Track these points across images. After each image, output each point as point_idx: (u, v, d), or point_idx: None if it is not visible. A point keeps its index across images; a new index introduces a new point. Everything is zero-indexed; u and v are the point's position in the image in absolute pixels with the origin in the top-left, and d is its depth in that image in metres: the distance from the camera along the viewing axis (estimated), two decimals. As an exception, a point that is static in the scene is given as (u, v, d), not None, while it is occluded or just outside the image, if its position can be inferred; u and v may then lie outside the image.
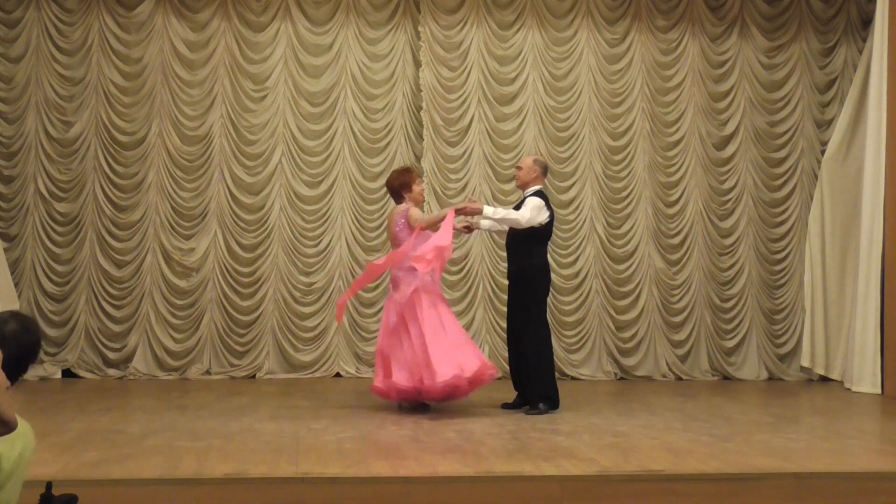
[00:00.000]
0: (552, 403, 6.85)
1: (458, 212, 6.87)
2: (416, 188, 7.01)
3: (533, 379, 6.83)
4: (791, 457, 5.28)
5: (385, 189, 9.32)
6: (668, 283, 9.64)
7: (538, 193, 6.98)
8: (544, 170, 7.16)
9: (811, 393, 8.80)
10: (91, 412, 6.64)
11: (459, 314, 9.29)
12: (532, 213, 6.79)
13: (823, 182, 9.46)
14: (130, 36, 9.16)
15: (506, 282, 9.31)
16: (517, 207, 6.99)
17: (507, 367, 8.72)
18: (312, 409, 6.93)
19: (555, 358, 7.34)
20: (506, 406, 7.03)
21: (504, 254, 9.35)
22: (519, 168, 7.14)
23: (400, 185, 7.01)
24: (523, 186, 7.09)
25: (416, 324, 6.55)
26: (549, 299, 7.18)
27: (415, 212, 6.89)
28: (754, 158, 9.81)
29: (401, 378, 6.56)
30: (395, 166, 9.35)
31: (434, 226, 6.80)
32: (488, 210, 6.83)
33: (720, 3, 9.82)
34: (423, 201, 7.10)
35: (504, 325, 9.32)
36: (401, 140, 9.42)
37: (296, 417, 6.49)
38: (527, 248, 6.89)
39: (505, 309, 9.30)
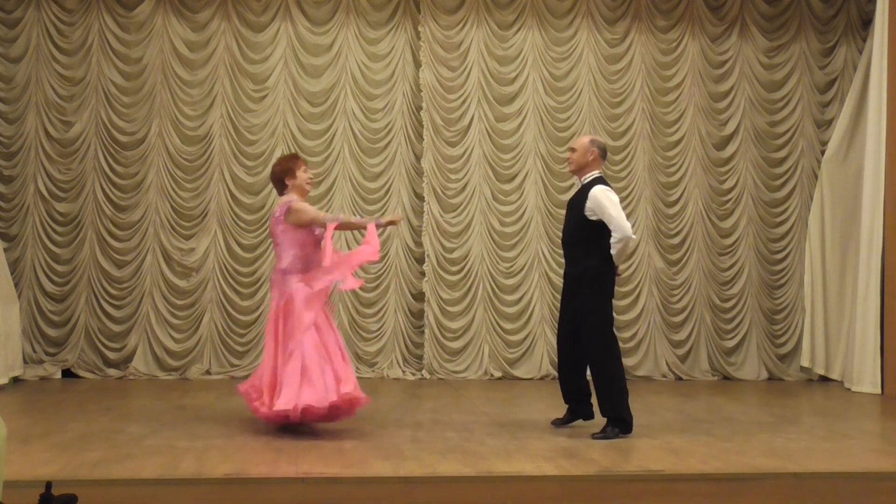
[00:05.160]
0: (625, 427, 5.87)
1: (379, 226, 6.12)
2: (301, 175, 6.06)
3: (602, 399, 5.87)
4: (791, 457, 5.29)
5: (385, 188, 9.38)
6: (668, 283, 9.64)
7: (600, 181, 5.95)
8: (603, 152, 6.08)
9: (811, 393, 8.80)
10: (91, 412, 6.63)
11: (459, 314, 9.31)
12: (617, 211, 5.79)
13: (823, 182, 9.46)
14: (130, 36, 9.15)
15: (506, 282, 9.41)
16: (577, 199, 6.01)
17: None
18: (312, 409, 6.91)
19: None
20: (557, 422, 6.22)
21: (505, 254, 9.43)
22: (573, 150, 6.05)
23: (282, 172, 6.10)
24: (579, 171, 6.03)
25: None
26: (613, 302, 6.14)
27: (301, 206, 5.95)
28: (754, 158, 9.81)
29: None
30: (396, 166, 9.38)
31: (351, 228, 6.20)
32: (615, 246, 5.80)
33: (720, 3, 9.82)
34: (309, 191, 6.24)
35: (506, 326, 9.37)
36: (401, 140, 9.42)
37: (296, 417, 6.48)
38: (588, 245, 5.93)
39: (505, 310, 9.38)
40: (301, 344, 5.69)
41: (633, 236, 5.85)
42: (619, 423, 5.81)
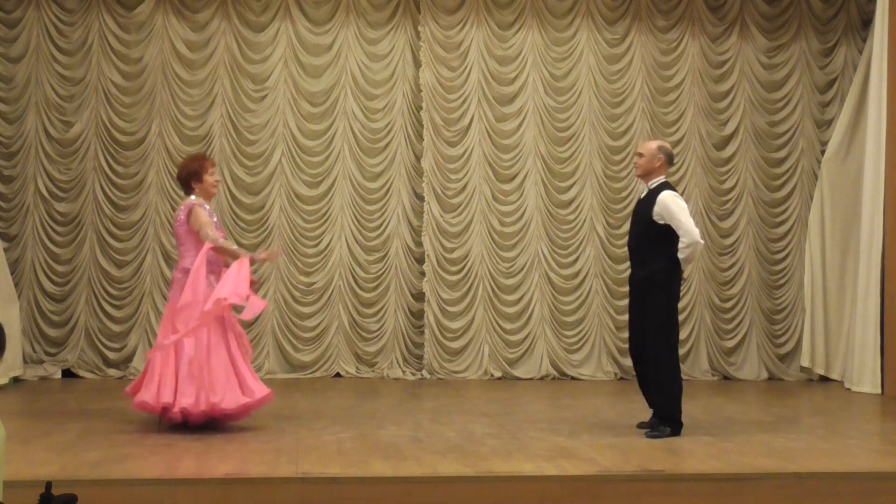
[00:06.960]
0: (676, 427, 5.99)
1: (255, 261, 6.25)
2: (208, 178, 6.13)
3: (658, 396, 6.02)
4: (791, 457, 5.29)
5: (385, 188, 9.38)
6: (668, 283, 9.63)
7: (667, 185, 6.07)
8: (670, 158, 6.18)
9: (811, 393, 8.80)
10: (91, 412, 6.64)
11: (459, 314, 9.31)
12: (686, 216, 5.93)
13: (823, 182, 9.46)
14: (130, 36, 9.15)
15: (506, 282, 9.40)
16: (644, 203, 6.09)
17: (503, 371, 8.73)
18: (312, 409, 6.93)
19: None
20: (643, 426, 6.16)
21: (505, 254, 9.43)
22: (640, 154, 6.15)
23: (188, 175, 6.17)
24: (645, 176, 6.12)
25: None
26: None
27: (199, 212, 6.02)
28: (754, 158, 9.81)
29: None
30: (396, 166, 9.37)
31: (225, 255, 6.02)
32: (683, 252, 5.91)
33: (720, 3, 9.82)
34: (216, 195, 6.36)
35: (506, 326, 9.37)
36: (401, 140, 9.42)
37: (296, 417, 6.49)
38: (657, 248, 6.00)
39: (505, 309, 9.38)
40: (182, 345, 5.79)
41: (701, 241, 5.96)
42: (671, 423, 5.93)
